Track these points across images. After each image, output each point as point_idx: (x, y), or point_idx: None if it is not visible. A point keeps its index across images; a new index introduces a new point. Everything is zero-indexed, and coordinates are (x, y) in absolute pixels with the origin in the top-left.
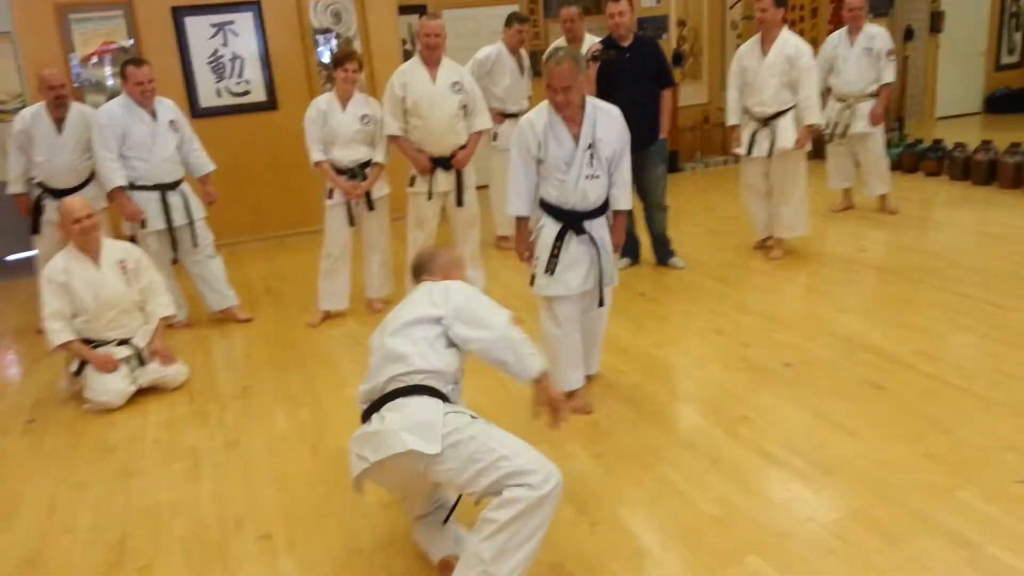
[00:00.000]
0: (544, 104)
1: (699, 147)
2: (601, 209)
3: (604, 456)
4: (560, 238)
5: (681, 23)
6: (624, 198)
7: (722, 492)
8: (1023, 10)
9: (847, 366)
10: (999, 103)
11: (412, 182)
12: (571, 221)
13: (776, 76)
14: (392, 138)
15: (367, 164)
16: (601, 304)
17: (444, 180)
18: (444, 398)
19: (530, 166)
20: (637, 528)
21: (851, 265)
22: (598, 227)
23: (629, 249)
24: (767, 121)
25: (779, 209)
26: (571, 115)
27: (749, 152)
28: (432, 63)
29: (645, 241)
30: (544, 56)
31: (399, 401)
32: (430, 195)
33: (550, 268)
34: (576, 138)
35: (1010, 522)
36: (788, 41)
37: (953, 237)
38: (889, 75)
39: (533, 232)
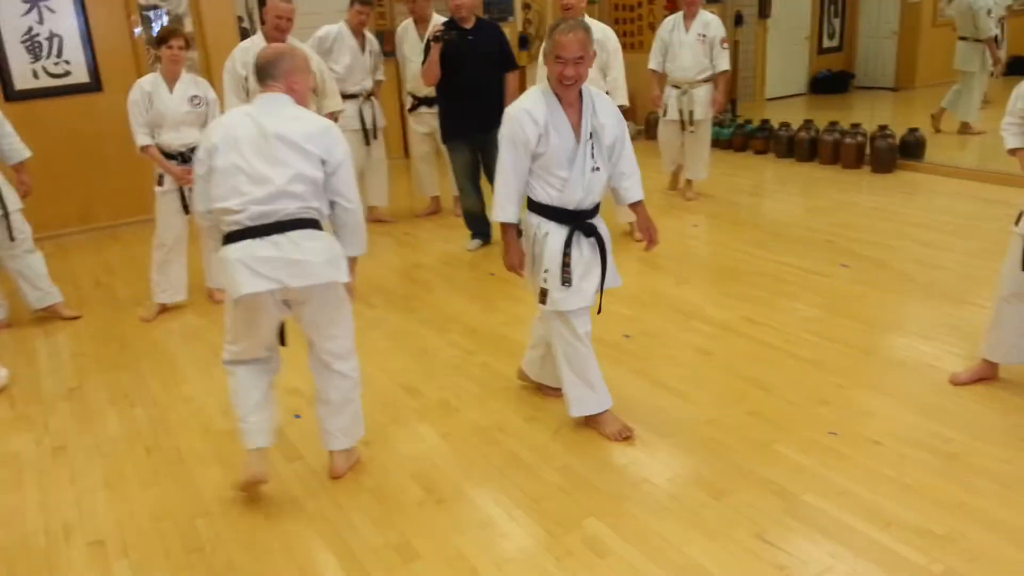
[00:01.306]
0: (536, 91)
1: None
2: (598, 205)
3: (452, 434)
4: (569, 244)
5: (526, 6)
6: (639, 187)
7: (565, 461)
8: None
9: (680, 335)
10: (821, 84)
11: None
12: (578, 223)
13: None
14: None
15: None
16: (599, 310)
17: None
18: None
19: (524, 164)
20: (483, 502)
21: (684, 240)
22: (601, 225)
23: (480, 230)
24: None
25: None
26: (572, 99)
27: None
28: (275, 41)
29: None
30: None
31: (307, 232)
32: None
33: (566, 279)
34: (576, 127)
35: (822, 471)
36: (594, 27)
37: (778, 211)
38: (724, 63)
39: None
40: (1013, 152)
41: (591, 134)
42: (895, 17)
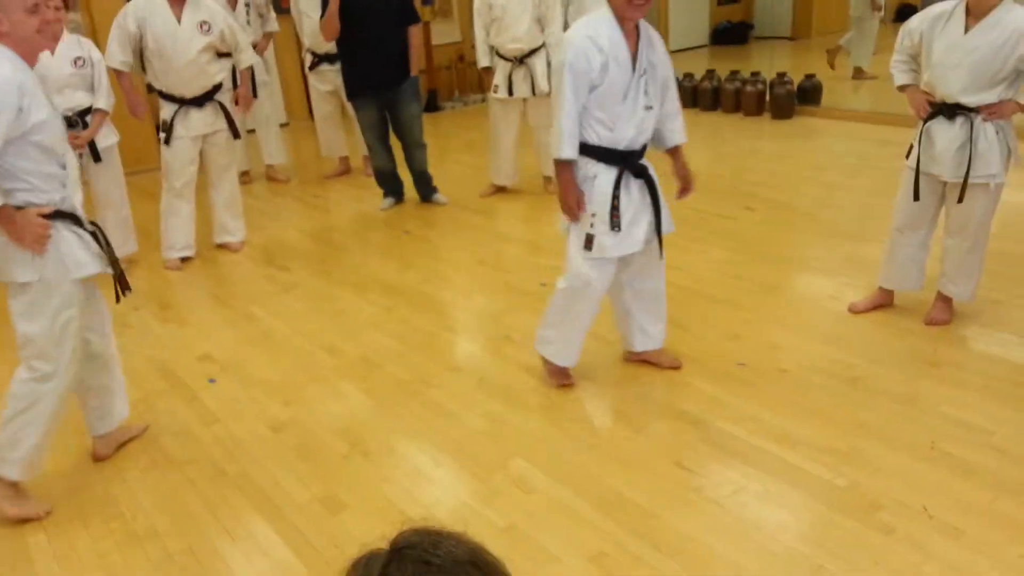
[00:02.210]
0: (598, 16)
1: (456, 86)
2: (646, 146)
3: (374, 390)
4: (618, 186)
5: None
6: (683, 130)
7: (489, 408)
8: None
9: None
10: (722, 35)
11: (164, 127)
12: (628, 163)
13: (528, 10)
14: (116, 74)
15: (87, 112)
16: (661, 255)
17: (200, 120)
18: None
19: (584, 96)
20: (409, 452)
21: None
22: (650, 167)
23: (392, 189)
24: (522, 60)
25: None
26: (631, 29)
27: (510, 94)
28: (178, 1)
29: (407, 180)
30: None
31: None
32: (168, 139)
33: (615, 223)
34: (633, 60)
35: (734, 400)
36: None
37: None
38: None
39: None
40: (902, 88)
41: (645, 69)
42: None
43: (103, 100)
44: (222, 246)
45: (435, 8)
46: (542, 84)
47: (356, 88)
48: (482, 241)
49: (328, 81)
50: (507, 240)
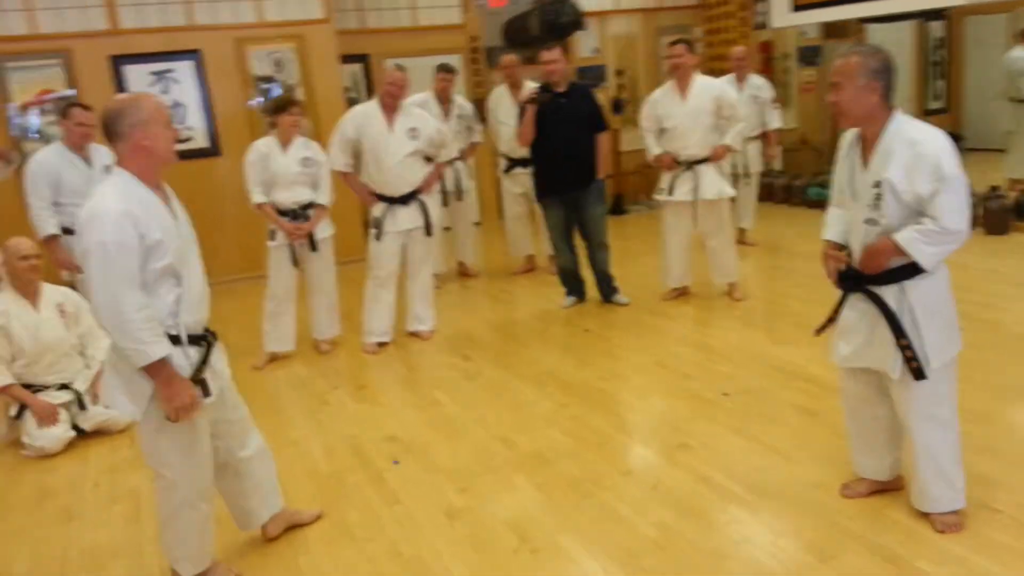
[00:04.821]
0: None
1: (642, 190)
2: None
3: (546, 486)
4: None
5: (619, 72)
6: None
7: (661, 517)
8: None
9: (781, 394)
10: None
11: (375, 223)
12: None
13: (702, 120)
14: (342, 175)
15: (310, 206)
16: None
17: (405, 217)
18: None
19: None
20: (578, 554)
21: (775, 298)
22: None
23: (574, 287)
24: (691, 165)
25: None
26: (866, 135)
27: (671, 194)
28: (391, 110)
29: (589, 279)
30: None
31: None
32: (379, 234)
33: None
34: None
35: (936, 538)
36: (709, 84)
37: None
38: (776, 120)
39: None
40: None
41: (877, 183)
42: (1003, 78)
43: (324, 197)
44: (413, 334)
45: (625, 116)
46: (705, 191)
47: (545, 191)
48: (662, 343)
49: (520, 184)
50: (687, 344)
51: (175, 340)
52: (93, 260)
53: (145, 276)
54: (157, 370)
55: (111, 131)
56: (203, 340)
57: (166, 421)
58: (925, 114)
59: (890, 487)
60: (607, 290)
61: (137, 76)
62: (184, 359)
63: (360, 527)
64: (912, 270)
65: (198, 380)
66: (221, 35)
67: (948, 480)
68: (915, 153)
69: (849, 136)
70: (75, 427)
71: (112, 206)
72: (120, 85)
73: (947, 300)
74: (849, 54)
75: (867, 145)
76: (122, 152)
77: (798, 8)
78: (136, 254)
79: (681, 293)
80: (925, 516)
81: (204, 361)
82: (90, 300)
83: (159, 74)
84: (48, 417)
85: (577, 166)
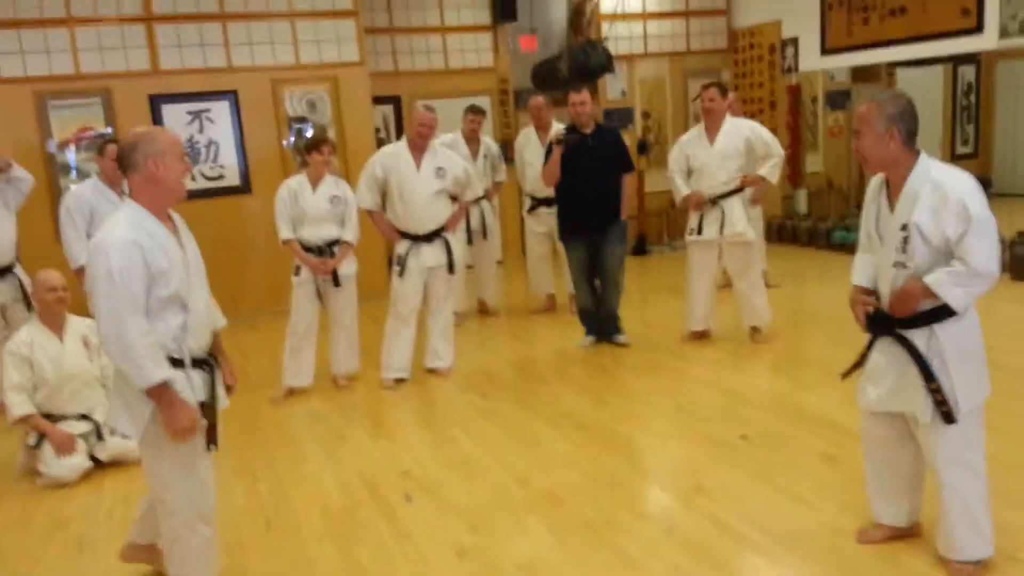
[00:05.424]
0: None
1: (666, 231)
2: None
3: (559, 526)
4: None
5: (646, 115)
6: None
7: (675, 561)
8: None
9: (803, 439)
10: None
11: (399, 261)
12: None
13: (730, 162)
14: (368, 213)
15: (336, 242)
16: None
17: (429, 255)
18: None
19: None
20: None
21: (799, 342)
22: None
23: (594, 327)
24: (717, 200)
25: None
26: (891, 180)
27: (699, 233)
28: (419, 149)
29: None
30: None
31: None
32: (402, 271)
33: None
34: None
35: None
36: (738, 125)
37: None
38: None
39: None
40: None
41: (904, 226)
42: None
43: (350, 234)
44: (432, 370)
45: (650, 158)
46: (733, 225)
47: (569, 230)
48: (681, 385)
49: (543, 223)
50: (707, 386)
51: (178, 363)
52: (100, 286)
53: (150, 303)
54: (158, 393)
55: (125, 162)
56: (206, 364)
57: (165, 443)
58: (954, 158)
59: (907, 534)
60: (611, 328)
61: (174, 115)
62: (187, 382)
63: (371, 562)
64: (942, 313)
65: (205, 404)
66: (258, 76)
67: (976, 526)
68: (941, 195)
69: (875, 181)
70: (92, 457)
71: (120, 235)
72: (157, 124)
73: (977, 343)
74: (868, 101)
75: (893, 189)
76: (135, 183)
77: (826, 52)
78: (141, 282)
79: (702, 335)
80: (943, 563)
81: (212, 384)
82: (97, 324)
83: (195, 113)
84: (65, 446)
85: (601, 207)
